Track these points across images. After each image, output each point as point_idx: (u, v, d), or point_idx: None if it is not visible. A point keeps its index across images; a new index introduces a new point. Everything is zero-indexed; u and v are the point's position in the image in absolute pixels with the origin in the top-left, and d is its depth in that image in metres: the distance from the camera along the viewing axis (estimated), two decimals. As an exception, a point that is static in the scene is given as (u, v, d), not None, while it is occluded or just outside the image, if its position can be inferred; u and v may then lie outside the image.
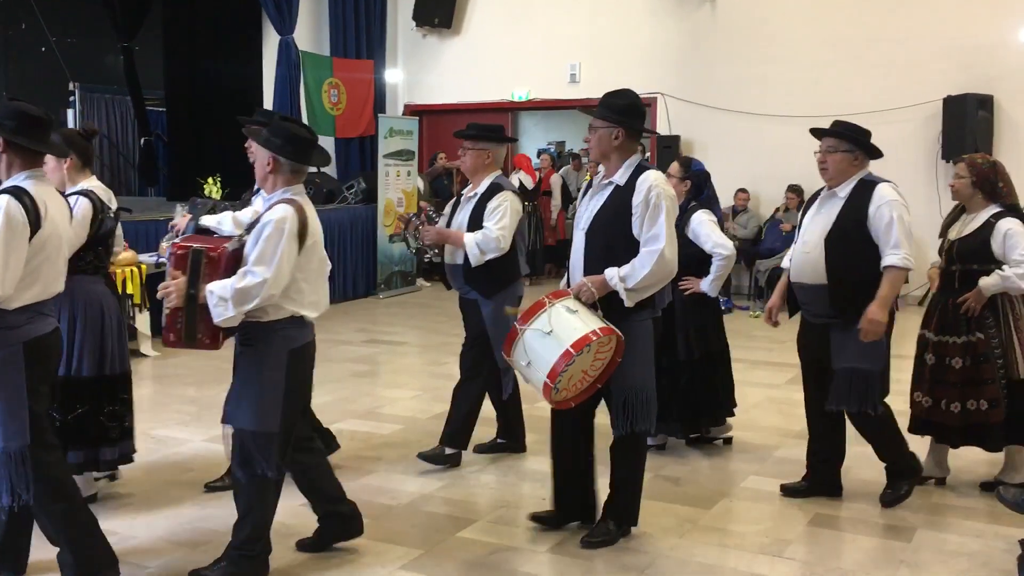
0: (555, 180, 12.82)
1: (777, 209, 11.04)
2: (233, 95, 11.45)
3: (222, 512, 4.30)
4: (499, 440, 5.15)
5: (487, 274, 4.69)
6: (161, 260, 8.00)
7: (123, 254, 7.51)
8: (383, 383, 7.06)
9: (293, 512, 4.31)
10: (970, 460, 5.07)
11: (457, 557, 3.84)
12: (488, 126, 5.01)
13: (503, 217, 4.67)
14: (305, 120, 11.68)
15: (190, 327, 3.39)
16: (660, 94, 11.84)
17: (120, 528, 4.10)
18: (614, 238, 3.76)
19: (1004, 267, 4.25)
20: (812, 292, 4.24)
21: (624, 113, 3.86)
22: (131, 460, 4.42)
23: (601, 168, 4.03)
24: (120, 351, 4.30)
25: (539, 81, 12.62)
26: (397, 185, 11.44)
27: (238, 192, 10.40)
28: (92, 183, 4.25)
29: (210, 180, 8.92)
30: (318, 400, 6.30)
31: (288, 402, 3.50)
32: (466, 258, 4.71)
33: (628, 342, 3.70)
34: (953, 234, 4.48)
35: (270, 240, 3.35)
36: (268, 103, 11.73)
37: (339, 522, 3.84)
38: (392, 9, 13.26)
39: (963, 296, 4.33)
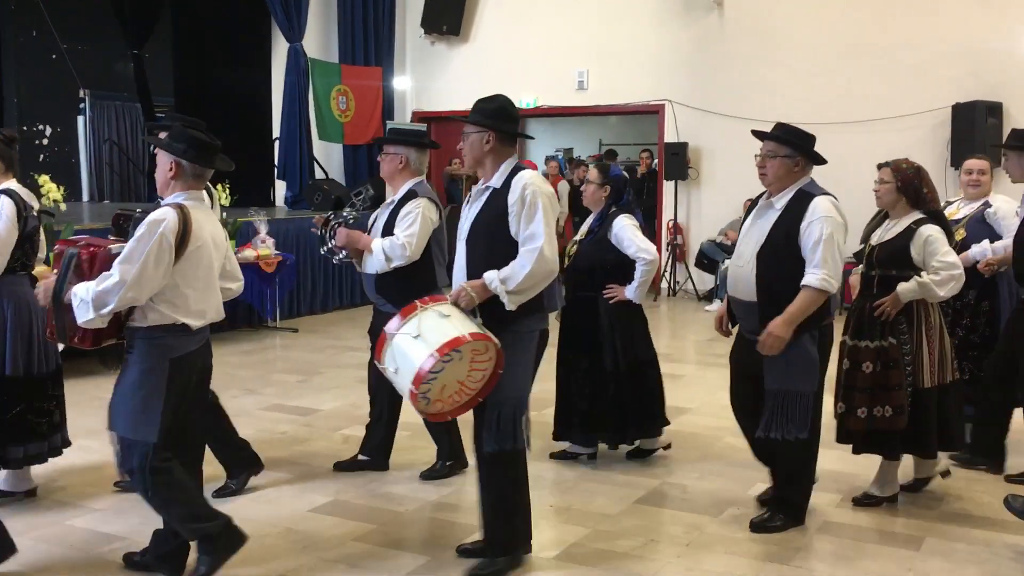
0: (562, 187, 12.80)
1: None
2: (242, 102, 11.52)
3: (231, 510, 4.30)
4: (360, 457, 4.98)
5: (398, 283, 4.42)
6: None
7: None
8: (391, 389, 7.06)
9: (301, 517, 4.32)
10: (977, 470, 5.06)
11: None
12: (407, 130, 4.92)
13: (413, 224, 4.44)
14: (314, 126, 11.76)
15: (60, 326, 3.40)
16: (668, 101, 11.84)
17: (127, 533, 4.10)
18: (494, 242, 3.58)
19: (923, 274, 4.21)
20: (745, 308, 4.10)
21: (494, 117, 3.72)
22: (60, 453, 4.54)
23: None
24: (48, 349, 4.39)
25: (547, 88, 12.63)
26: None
27: (246, 199, 10.45)
28: (13, 184, 4.33)
29: (219, 187, 8.93)
30: (326, 406, 6.34)
31: (168, 412, 3.41)
32: None
33: (509, 351, 3.49)
34: (875, 239, 4.43)
35: (139, 241, 3.30)
36: (277, 110, 11.79)
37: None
38: (400, 16, 13.30)
39: (879, 301, 4.26)
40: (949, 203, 5.53)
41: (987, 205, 5.22)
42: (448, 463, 4.89)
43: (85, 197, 15.08)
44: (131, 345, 3.45)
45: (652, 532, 4.18)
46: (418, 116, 13.46)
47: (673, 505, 4.54)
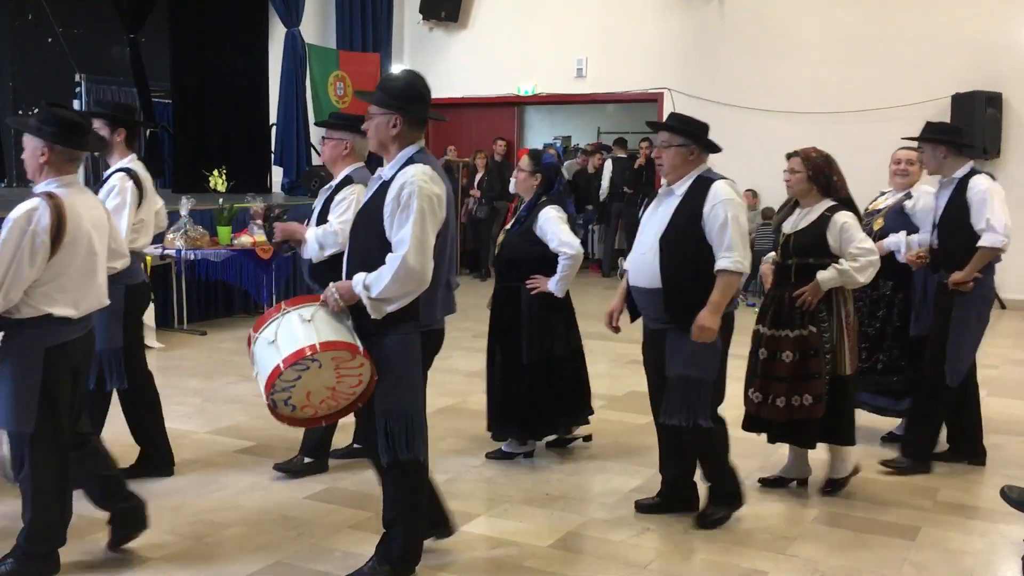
0: (561, 175, 12.80)
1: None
2: (239, 88, 11.46)
3: (226, 505, 4.31)
4: (355, 445, 4.87)
5: (333, 271, 4.05)
6: (167, 252, 8.02)
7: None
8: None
9: (296, 504, 4.32)
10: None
11: (460, 551, 3.83)
12: (349, 116, 4.68)
13: (346, 211, 4.28)
14: (311, 112, 11.71)
15: None
16: (667, 89, 11.81)
17: (123, 520, 4.11)
18: (370, 240, 3.31)
19: (841, 261, 4.21)
20: (648, 296, 4.01)
21: (403, 97, 3.38)
22: None
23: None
24: None
25: (546, 75, 12.59)
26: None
27: (243, 185, 10.43)
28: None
29: (215, 172, 8.93)
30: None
31: (45, 402, 3.35)
32: None
33: (383, 359, 3.29)
34: (788, 228, 4.42)
35: (6, 242, 3.22)
36: (274, 95, 11.74)
37: (129, 517, 3.76)
38: (398, 2, 13.24)
39: (799, 290, 4.24)
40: (883, 193, 5.51)
41: (908, 196, 5.21)
42: (307, 460, 4.73)
43: (80, 181, 15.01)
44: (7, 336, 3.36)
45: (648, 521, 4.18)
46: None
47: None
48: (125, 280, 4.31)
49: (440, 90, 13.23)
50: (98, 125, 4.47)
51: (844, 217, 4.27)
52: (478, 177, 12.50)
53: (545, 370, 4.79)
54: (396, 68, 13.25)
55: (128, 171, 4.51)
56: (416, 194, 3.22)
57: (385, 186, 3.34)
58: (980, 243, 4.65)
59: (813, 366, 4.23)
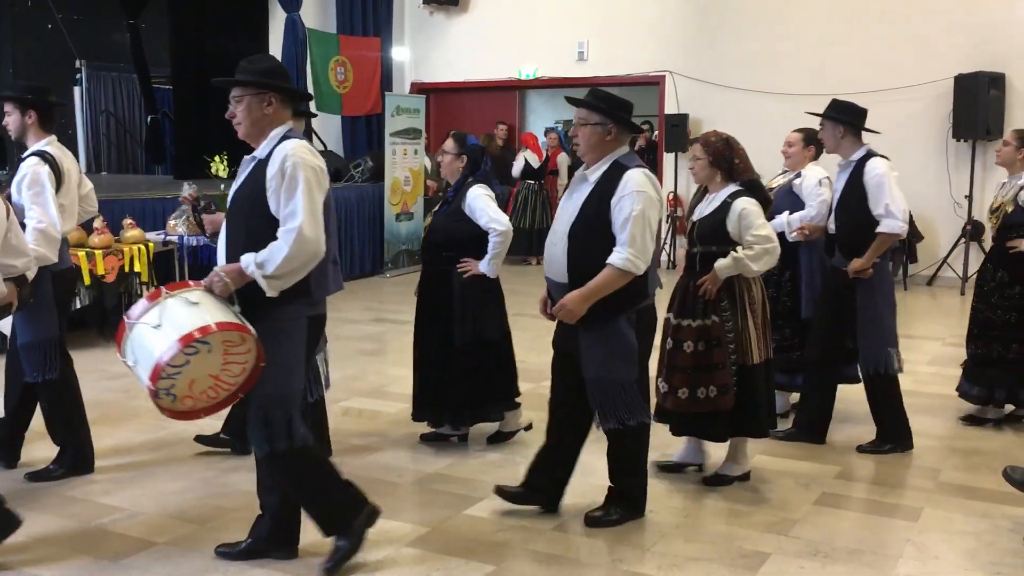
0: (562, 159, 12.75)
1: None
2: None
3: (231, 489, 4.32)
4: (222, 435, 4.73)
5: None
6: (169, 238, 8.02)
7: (131, 232, 7.54)
8: (390, 361, 7.07)
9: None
10: (972, 438, 5.07)
11: (463, 535, 3.85)
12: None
13: None
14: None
15: None
16: (668, 72, 11.77)
17: (127, 504, 4.13)
18: (254, 220, 3.23)
19: (738, 248, 4.13)
20: (558, 289, 3.78)
21: (272, 76, 3.36)
22: None
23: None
24: None
25: (547, 59, 12.55)
26: (404, 163, 11.41)
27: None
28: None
29: (216, 158, 8.88)
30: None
31: None
32: None
33: (272, 342, 3.19)
34: (696, 215, 4.35)
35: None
36: (275, 81, 11.70)
37: None
38: (399, -14, 13.19)
39: (701, 279, 4.17)
40: (781, 172, 5.54)
41: (798, 176, 5.23)
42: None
43: (82, 168, 15.02)
44: None
45: (652, 502, 4.18)
46: (417, 87, 13.39)
47: (673, 476, 4.55)
48: (52, 267, 4.19)
49: (441, 74, 13.23)
50: (9, 108, 4.35)
51: (743, 203, 4.16)
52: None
53: (477, 354, 4.72)
54: (397, 52, 13.21)
55: (42, 154, 4.30)
56: (300, 165, 3.19)
57: (262, 164, 3.27)
58: (879, 229, 4.62)
59: (717, 356, 4.12)
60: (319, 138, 12.07)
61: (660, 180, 12.58)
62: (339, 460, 4.69)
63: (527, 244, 11.91)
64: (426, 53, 13.39)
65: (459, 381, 4.72)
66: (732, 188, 4.24)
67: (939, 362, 6.84)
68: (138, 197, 8.64)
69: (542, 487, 4.05)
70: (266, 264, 3.14)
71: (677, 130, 11.51)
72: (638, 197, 3.62)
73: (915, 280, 10.54)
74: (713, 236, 4.20)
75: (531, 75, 12.73)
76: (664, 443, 4.54)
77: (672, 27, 11.73)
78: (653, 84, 12.02)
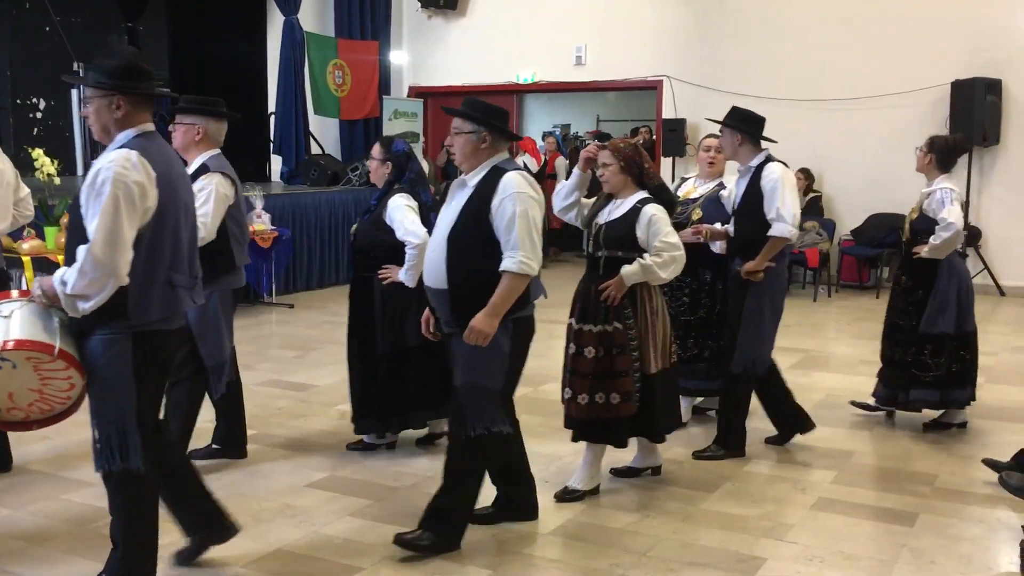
0: (560, 163, 12.78)
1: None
2: (238, 76, 11.43)
3: (227, 492, 4.32)
4: (214, 446, 4.70)
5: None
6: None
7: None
8: (387, 365, 7.06)
9: (298, 492, 4.32)
10: (968, 443, 5.08)
11: (461, 539, 3.85)
12: (198, 99, 4.48)
13: (206, 202, 4.13)
14: (310, 101, 11.68)
15: None
16: (666, 77, 11.79)
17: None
18: (75, 232, 3.03)
19: (645, 255, 4.08)
20: (437, 297, 3.69)
21: (122, 76, 3.09)
22: None
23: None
24: None
25: (545, 63, 12.57)
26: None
27: (242, 174, 10.39)
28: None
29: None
30: (322, 381, 6.34)
31: None
32: None
33: (91, 362, 3.05)
34: (602, 219, 4.26)
35: None
36: (273, 84, 11.72)
37: None
38: (397, -10, 13.20)
39: (604, 283, 4.09)
40: (685, 179, 5.51)
41: (722, 186, 5.20)
42: (215, 447, 4.65)
43: (80, 171, 14.97)
44: None
45: (648, 508, 4.20)
46: (415, 91, 13.40)
47: (669, 481, 4.55)
48: None
49: (439, 78, 13.23)
50: None
51: (653, 210, 4.12)
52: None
53: (398, 361, 4.65)
54: (395, 56, 13.22)
55: None
56: (110, 180, 2.93)
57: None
58: (770, 232, 4.64)
59: (619, 363, 4.07)
60: (316, 141, 12.07)
61: (657, 185, 12.55)
62: (335, 464, 4.70)
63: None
64: (424, 57, 13.40)
65: (383, 388, 4.67)
66: (641, 194, 4.20)
67: (935, 367, 6.84)
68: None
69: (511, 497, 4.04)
70: (67, 282, 2.95)
71: (675, 135, 11.53)
72: (518, 198, 3.52)
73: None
74: (621, 241, 4.14)
75: (529, 79, 12.75)
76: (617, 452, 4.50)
77: (670, 32, 11.75)
78: (651, 88, 12.05)
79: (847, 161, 10.79)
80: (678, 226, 4.46)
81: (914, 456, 4.98)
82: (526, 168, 12.27)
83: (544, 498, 4.29)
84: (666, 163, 11.85)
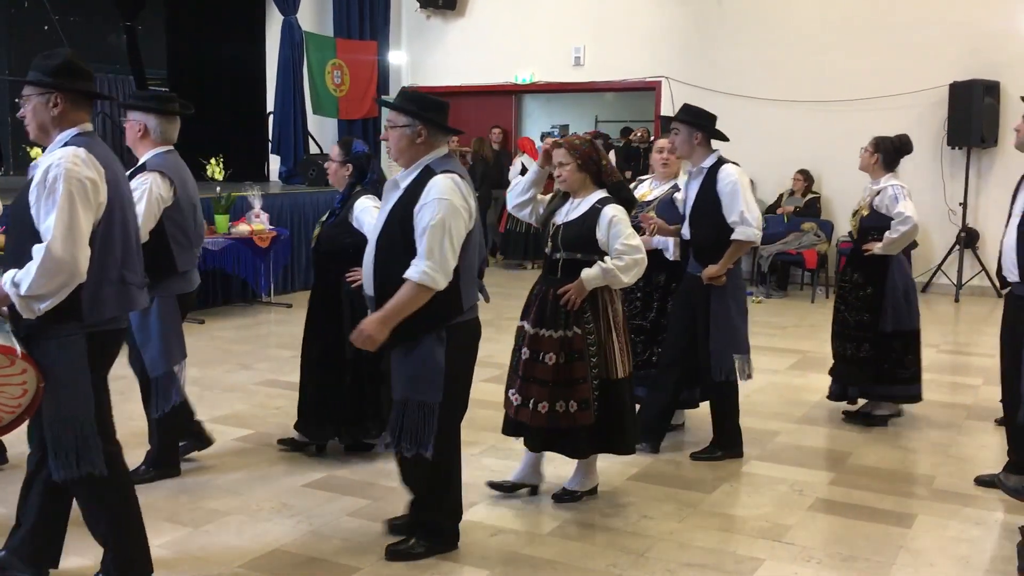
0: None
1: (782, 195, 11.01)
2: (236, 76, 11.44)
3: (222, 491, 4.32)
4: (142, 468, 4.43)
5: None
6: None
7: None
8: (385, 365, 7.06)
9: (296, 491, 4.32)
10: (966, 445, 5.09)
11: (460, 540, 3.84)
12: (144, 95, 4.36)
13: (137, 201, 3.97)
14: (308, 101, 11.67)
15: None
16: (665, 78, 11.79)
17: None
18: (23, 233, 2.96)
19: (607, 258, 3.93)
20: (370, 304, 3.56)
21: (59, 74, 3.05)
22: None
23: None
24: None
25: (543, 64, 12.57)
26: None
27: (241, 174, 10.41)
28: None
29: (212, 161, 8.90)
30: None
31: None
32: None
33: (46, 364, 2.97)
34: (559, 219, 4.08)
35: None
36: (271, 84, 11.72)
37: None
38: (396, -10, 13.20)
39: (563, 288, 3.93)
40: (641, 181, 5.45)
41: (676, 188, 5.12)
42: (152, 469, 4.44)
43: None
44: None
45: (645, 509, 4.20)
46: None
47: (667, 482, 4.56)
48: None
49: (437, 78, 13.22)
50: None
51: (613, 210, 3.95)
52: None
53: (367, 366, 4.48)
54: (393, 56, 13.21)
55: None
56: (63, 177, 2.90)
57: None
58: (734, 236, 4.58)
59: (578, 370, 3.92)
60: (315, 141, 12.07)
61: (656, 185, 12.51)
62: (332, 464, 4.70)
63: (523, 248, 11.92)
64: (423, 57, 13.40)
65: (348, 394, 4.54)
66: (600, 193, 4.03)
67: (933, 369, 6.85)
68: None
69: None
70: (20, 283, 2.88)
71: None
72: (439, 205, 3.32)
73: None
74: (579, 243, 3.97)
75: (527, 80, 12.75)
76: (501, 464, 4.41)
77: (668, 33, 11.76)
78: (649, 89, 12.05)
79: (845, 162, 10.75)
80: (636, 229, 4.29)
81: (912, 457, 4.99)
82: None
83: (542, 499, 4.29)
84: (664, 164, 11.84)
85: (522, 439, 4.15)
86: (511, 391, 4.05)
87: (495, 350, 5.82)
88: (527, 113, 14.68)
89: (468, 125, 12.76)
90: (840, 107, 10.71)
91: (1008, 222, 4.31)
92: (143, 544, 3.26)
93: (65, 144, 3.02)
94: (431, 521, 3.67)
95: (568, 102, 15.43)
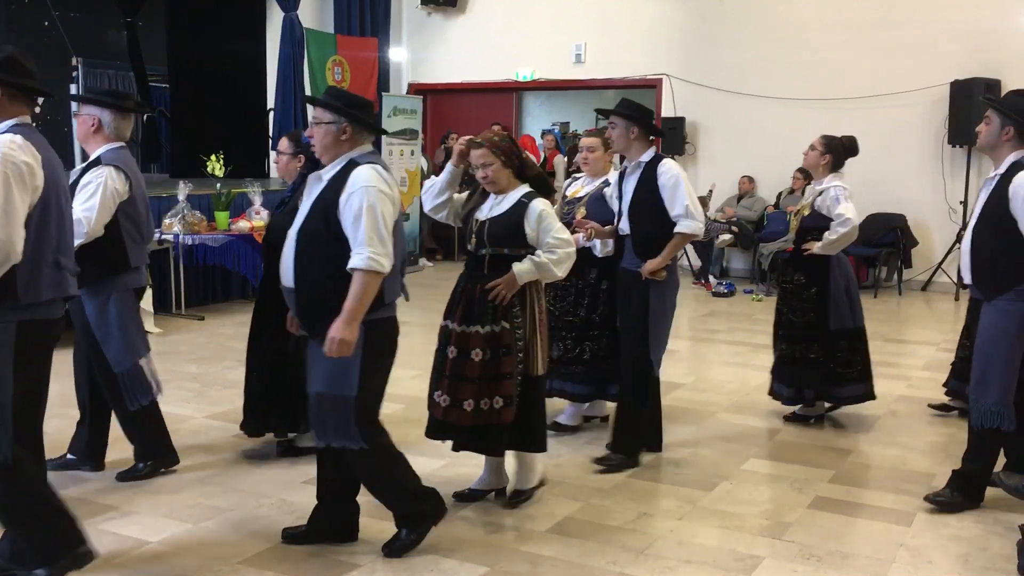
0: (558, 161, 12.76)
1: (781, 193, 11.01)
2: (237, 72, 11.43)
3: (225, 489, 4.32)
4: (69, 456, 4.45)
5: (82, 265, 3.63)
6: (164, 237, 8.00)
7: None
8: (385, 362, 7.06)
9: (295, 487, 4.32)
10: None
11: (458, 536, 3.85)
12: (99, 90, 4.39)
13: (92, 196, 3.98)
14: (309, 98, 11.66)
15: None
16: (665, 75, 11.78)
17: (121, 504, 4.13)
18: None
19: (538, 252, 3.88)
20: (288, 297, 3.52)
21: (2, 68, 3.14)
22: None
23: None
24: None
25: (544, 61, 12.56)
26: (400, 164, 11.41)
27: (241, 170, 10.39)
28: None
29: (213, 157, 8.89)
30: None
31: None
32: None
33: None
34: (482, 215, 4.01)
35: None
36: (272, 80, 11.71)
37: None
38: (397, -13, 13.19)
39: (492, 283, 3.87)
40: (576, 178, 5.38)
41: (606, 184, 5.06)
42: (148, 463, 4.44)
43: (78, 165, 14.98)
44: None
45: (645, 506, 4.20)
46: (415, 88, 13.39)
47: (666, 479, 4.56)
48: None
49: (438, 75, 13.22)
50: None
51: (541, 205, 3.91)
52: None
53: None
54: (394, 53, 13.20)
55: None
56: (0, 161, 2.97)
57: None
58: (678, 229, 4.51)
59: (505, 365, 3.86)
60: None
61: (656, 183, 12.46)
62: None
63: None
64: (424, 54, 13.39)
65: (292, 387, 4.41)
66: (524, 188, 3.97)
67: (933, 367, 6.86)
68: (134, 195, 8.62)
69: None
70: None
71: (674, 133, 11.52)
72: (367, 192, 3.31)
73: (910, 285, 10.57)
74: (506, 238, 3.90)
75: (528, 77, 12.74)
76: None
77: (669, 30, 11.75)
78: (650, 87, 12.04)
79: (847, 161, 10.79)
80: (565, 226, 4.19)
81: (912, 455, 4.98)
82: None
83: (542, 496, 4.29)
84: (665, 162, 11.84)
85: (451, 443, 4.07)
86: (436, 393, 3.95)
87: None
88: (528, 111, 14.68)
89: (468, 122, 12.77)
90: (841, 105, 10.70)
91: (968, 224, 4.24)
92: (55, 529, 3.22)
93: (2, 133, 3.09)
94: (402, 508, 3.70)
95: (569, 100, 15.43)
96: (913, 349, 7.44)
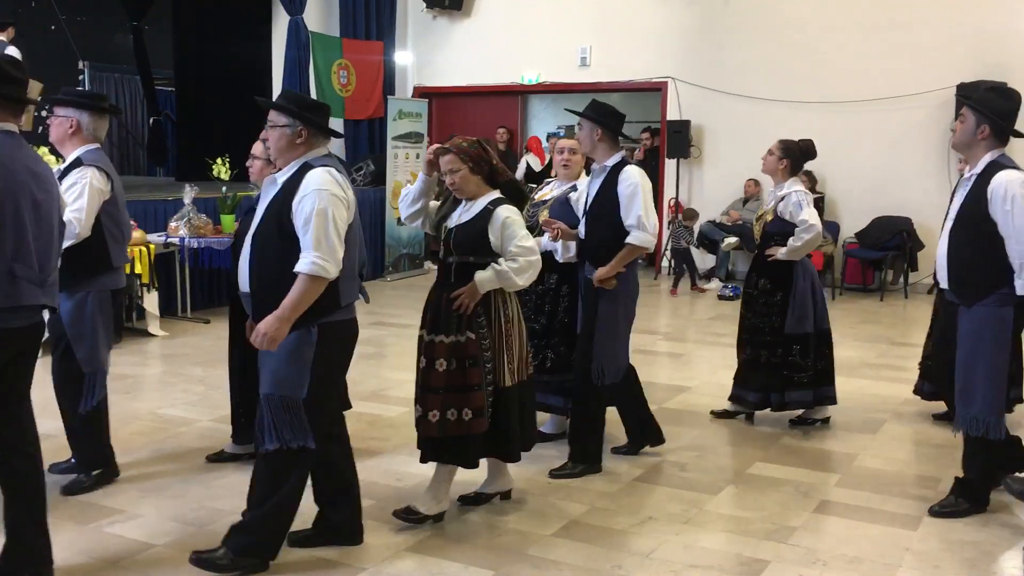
0: (564, 164, 12.77)
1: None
2: (243, 76, 11.46)
3: (230, 492, 4.32)
4: (72, 460, 4.40)
5: (65, 265, 3.65)
6: (170, 240, 8.02)
7: (133, 233, 7.54)
8: (390, 365, 7.07)
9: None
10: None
11: (463, 539, 3.85)
12: (76, 91, 4.33)
13: (79, 197, 3.97)
14: (314, 101, 11.68)
15: None
16: (671, 78, 11.78)
17: (126, 506, 4.13)
18: None
19: (500, 260, 3.81)
20: (245, 301, 3.50)
21: None
22: None
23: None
24: None
25: (549, 64, 12.56)
26: (406, 167, 11.43)
27: (246, 174, 10.41)
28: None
29: (219, 161, 8.90)
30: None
31: None
32: None
33: None
34: (452, 222, 3.95)
35: None
36: (277, 84, 11.73)
37: None
38: (402, -10, 13.21)
39: (456, 292, 3.81)
40: (549, 182, 5.31)
41: (574, 188, 4.96)
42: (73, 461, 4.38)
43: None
44: None
45: (650, 510, 4.20)
46: (420, 91, 13.40)
47: (671, 483, 4.55)
48: None
49: (443, 78, 13.24)
50: None
51: (506, 212, 3.82)
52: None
53: None
54: (400, 56, 13.22)
55: None
56: None
57: None
58: (628, 240, 4.43)
59: (472, 376, 3.78)
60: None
61: (661, 186, 12.62)
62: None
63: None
64: (429, 57, 13.40)
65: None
66: (493, 194, 3.90)
67: (939, 371, 6.84)
68: (140, 199, 8.65)
69: None
70: None
71: (679, 136, 11.52)
72: (319, 196, 3.28)
73: (916, 288, 10.54)
74: (472, 246, 3.83)
75: (533, 80, 12.75)
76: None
77: (674, 34, 11.75)
78: (655, 90, 12.04)
79: (852, 163, 10.78)
80: (529, 229, 4.10)
81: (917, 459, 4.97)
82: (529, 167, 12.36)
83: (547, 500, 4.29)
84: (671, 165, 11.84)
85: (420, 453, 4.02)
86: (416, 406, 3.92)
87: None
88: (533, 114, 14.68)
89: (474, 125, 12.79)
90: (846, 108, 10.69)
91: (943, 227, 4.17)
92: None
93: None
94: (336, 520, 3.73)
95: (574, 102, 15.39)
96: (918, 352, 7.41)
